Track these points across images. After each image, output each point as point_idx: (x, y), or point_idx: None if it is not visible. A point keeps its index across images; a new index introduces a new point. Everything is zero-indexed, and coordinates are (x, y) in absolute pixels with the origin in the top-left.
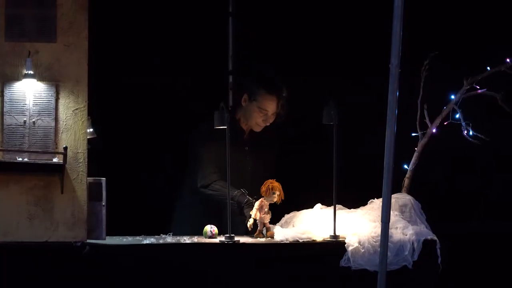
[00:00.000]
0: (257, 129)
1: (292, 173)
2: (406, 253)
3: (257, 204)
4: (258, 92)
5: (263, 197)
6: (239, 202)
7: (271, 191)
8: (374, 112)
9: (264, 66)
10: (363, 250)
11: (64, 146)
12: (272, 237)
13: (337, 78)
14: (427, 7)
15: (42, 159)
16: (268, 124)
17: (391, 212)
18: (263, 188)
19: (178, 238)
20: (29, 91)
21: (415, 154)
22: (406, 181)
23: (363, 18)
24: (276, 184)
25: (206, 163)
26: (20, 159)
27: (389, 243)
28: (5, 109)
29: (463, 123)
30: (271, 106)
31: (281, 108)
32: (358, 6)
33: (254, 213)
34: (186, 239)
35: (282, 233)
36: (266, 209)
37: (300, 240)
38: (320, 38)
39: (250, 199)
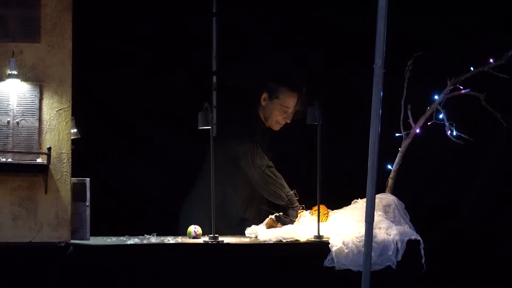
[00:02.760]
0: (277, 127)
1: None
2: (390, 253)
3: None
4: (280, 90)
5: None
6: (290, 202)
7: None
8: (358, 112)
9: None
10: (347, 250)
11: (48, 146)
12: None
13: (322, 78)
14: (411, 7)
15: (26, 160)
16: (288, 121)
17: (375, 212)
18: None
19: (162, 238)
20: (13, 92)
21: (399, 154)
22: (389, 181)
23: (348, 17)
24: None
25: (257, 148)
26: (4, 159)
27: (373, 243)
28: None
29: (447, 123)
30: (293, 103)
31: (300, 105)
32: (343, 5)
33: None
34: (170, 240)
35: (265, 233)
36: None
37: (284, 240)
38: (305, 38)
39: (298, 205)
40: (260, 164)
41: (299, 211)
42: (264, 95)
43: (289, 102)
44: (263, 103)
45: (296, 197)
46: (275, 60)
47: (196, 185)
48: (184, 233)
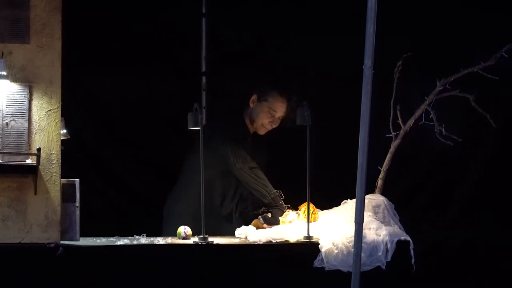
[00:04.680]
0: (262, 131)
1: (265, 174)
2: (380, 253)
3: (289, 218)
4: (270, 93)
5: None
6: (274, 201)
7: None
8: (348, 113)
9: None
10: (336, 251)
11: (38, 147)
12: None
13: (311, 79)
14: (400, 8)
15: (15, 161)
16: (274, 126)
17: (365, 213)
18: (303, 209)
19: (152, 239)
20: (2, 92)
21: (388, 155)
22: (379, 182)
23: (337, 19)
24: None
25: (240, 149)
26: None
27: (362, 244)
28: None
29: (436, 124)
30: (281, 108)
31: (290, 112)
32: (332, 7)
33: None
34: (160, 240)
35: (255, 234)
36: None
37: (274, 241)
38: (294, 39)
39: (284, 204)
40: (242, 166)
41: (285, 211)
42: (253, 97)
43: (277, 106)
44: (251, 105)
45: (282, 197)
46: (265, 61)
47: (177, 183)
48: (167, 232)
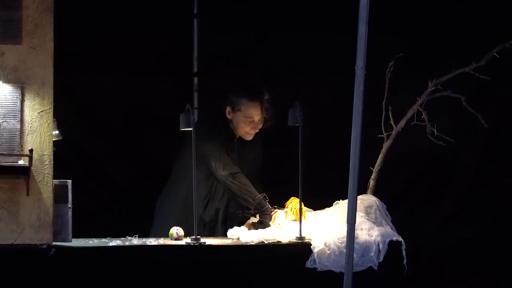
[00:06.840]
0: (248, 137)
1: (257, 175)
2: (372, 254)
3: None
4: (240, 102)
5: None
6: (260, 206)
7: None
8: (340, 114)
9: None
10: (328, 252)
11: (30, 148)
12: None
13: (303, 80)
14: (393, 9)
15: (7, 162)
16: (257, 130)
17: (357, 214)
18: (290, 206)
19: (144, 240)
20: None
21: (380, 156)
22: (371, 182)
23: (329, 19)
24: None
25: (222, 154)
26: None
27: (354, 245)
28: None
29: (428, 124)
30: (256, 113)
31: (266, 113)
32: (323, 8)
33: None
34: (152, 241)
35: (248, 234)
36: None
37: (266, 242)
38: (286, 40)
39: (270, 207)
40: (225, 174)
41: (273, 212)
42: (228, 109)
43: (251, 113)
44: (229, 117)
45: (266, 199)
46: (257, 61)
47: (166, 184)
48: (153, 232)
